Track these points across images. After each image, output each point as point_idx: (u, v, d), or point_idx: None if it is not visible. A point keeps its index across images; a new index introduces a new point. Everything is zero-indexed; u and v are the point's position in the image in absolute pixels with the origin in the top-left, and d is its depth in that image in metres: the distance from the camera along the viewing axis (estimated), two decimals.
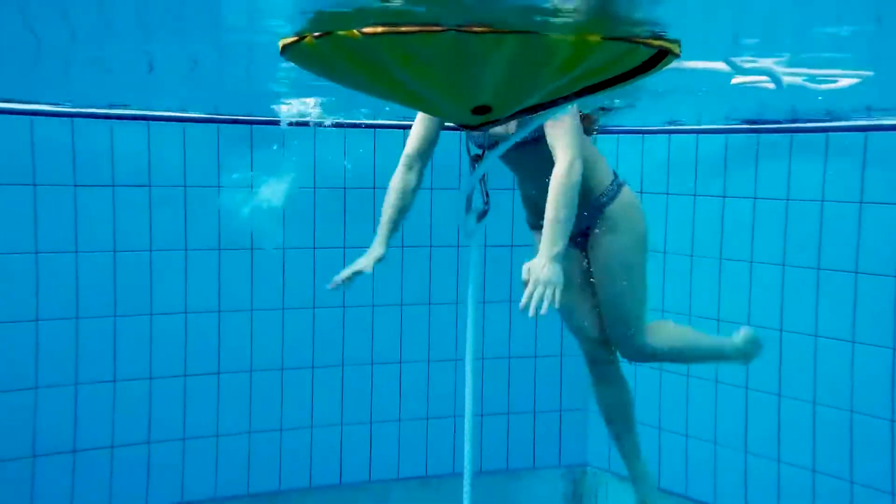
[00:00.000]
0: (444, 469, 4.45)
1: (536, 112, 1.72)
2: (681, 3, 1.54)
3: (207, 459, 4.12)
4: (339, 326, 4.28)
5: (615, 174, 2.96)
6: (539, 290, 2.38)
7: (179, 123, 3.98)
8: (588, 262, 2.99)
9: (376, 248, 2.89)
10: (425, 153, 2.92)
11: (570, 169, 2.54)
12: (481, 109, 1.61)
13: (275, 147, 4.07)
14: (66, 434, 3.85)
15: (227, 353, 4.12)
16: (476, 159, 1.77)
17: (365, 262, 2.86)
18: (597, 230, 2.91)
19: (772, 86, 2.88)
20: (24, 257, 3.75)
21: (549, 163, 2.61)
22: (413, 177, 2.91)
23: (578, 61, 1.41)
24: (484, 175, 1.79)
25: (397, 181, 2.92)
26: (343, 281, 2.84)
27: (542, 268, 2.43)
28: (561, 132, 2.59)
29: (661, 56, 1.51)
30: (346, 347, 4.30)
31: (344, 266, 2.85)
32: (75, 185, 3.82)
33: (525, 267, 2.46)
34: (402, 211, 2.92)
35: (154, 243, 3.96)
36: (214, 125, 4.02)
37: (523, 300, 2.37)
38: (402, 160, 2.93)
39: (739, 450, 4.03)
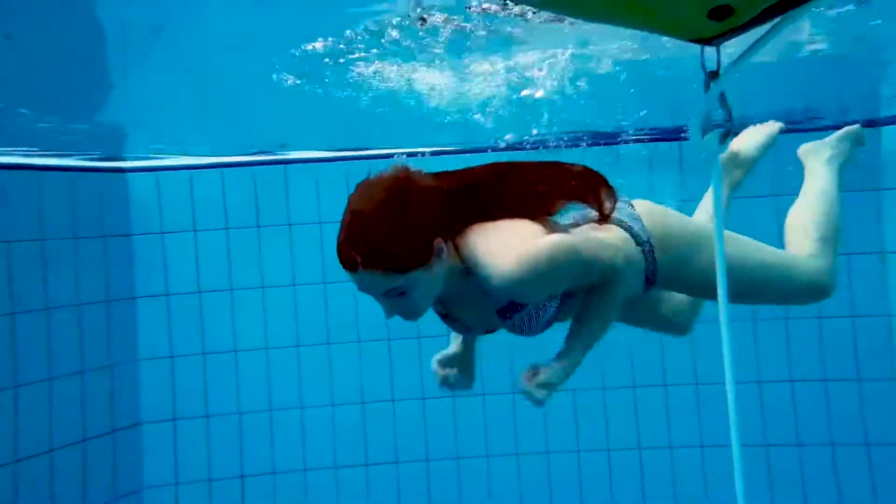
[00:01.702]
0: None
1: (783, 13, 1.50)
2: None
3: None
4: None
5: (624, 222, 2.35)
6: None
7: None
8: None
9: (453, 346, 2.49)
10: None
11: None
12: (720, 13, 1.41)
13: None
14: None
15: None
16: (713, 76, 1.57)
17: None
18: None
19: None
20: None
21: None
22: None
23: None
24: (723, 92, 1.59)
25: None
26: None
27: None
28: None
29: None
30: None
31: None
32: None
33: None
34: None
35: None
36: None
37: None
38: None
39: None
